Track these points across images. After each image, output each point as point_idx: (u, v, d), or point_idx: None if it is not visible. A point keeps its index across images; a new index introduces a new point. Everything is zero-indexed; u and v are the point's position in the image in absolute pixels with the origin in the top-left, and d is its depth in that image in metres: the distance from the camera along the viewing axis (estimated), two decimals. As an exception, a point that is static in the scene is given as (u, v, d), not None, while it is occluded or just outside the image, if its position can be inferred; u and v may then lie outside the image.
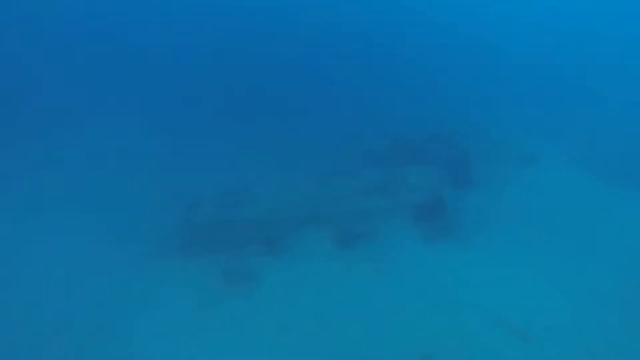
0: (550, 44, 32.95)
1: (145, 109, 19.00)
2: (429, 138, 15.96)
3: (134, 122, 17.83)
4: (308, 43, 28.60)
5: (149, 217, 12.37)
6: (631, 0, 37.22)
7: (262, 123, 18.81)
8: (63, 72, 21.39)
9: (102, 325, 8.71)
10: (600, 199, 14.30)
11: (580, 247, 11.85)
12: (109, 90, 19.94)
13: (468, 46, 32.02)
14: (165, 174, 14.53)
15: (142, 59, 23.80)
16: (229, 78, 22.45)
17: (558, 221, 12.97)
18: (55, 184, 13.66)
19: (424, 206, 12.50)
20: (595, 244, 12.03)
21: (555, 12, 39.78)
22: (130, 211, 12.56)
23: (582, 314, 9.45)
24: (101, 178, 14.15)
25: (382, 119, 19.60)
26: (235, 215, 11.37)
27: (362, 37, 30.57)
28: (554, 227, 12.69)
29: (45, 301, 9.24)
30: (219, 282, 10.12)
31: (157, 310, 9.16)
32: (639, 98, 22.88)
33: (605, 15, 38.01)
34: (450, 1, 37.59)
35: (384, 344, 8.45)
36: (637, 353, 8.53)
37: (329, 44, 29.08)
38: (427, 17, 35.30)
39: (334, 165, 14.73)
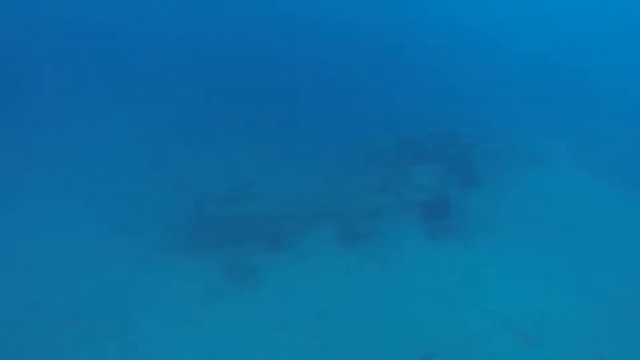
0: (557, 44, 32.78)
1: (153, 105, 19.07)
2: (435, 137, 15.89)
3: (141, 117, 17.89)
4: (315, 43, 28.74)
5: (155, 211, 12.44)
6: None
7: (268, 121, 18.88)
8: (72, 65, 21.48)
9: (106, 318, 8.75)
10: (608, 200, 14.20)
11: (587, 248, 11.78)
12: (117, 85, 19.99)
13: (475, 46, 31.97)
14: (172, 170, 14.58)
15: (153, 56, 23.88)
16: (236, 76, 22.53)
17: (564, 221, 12.90)
18: (62, 178, 13.73)
19: (429, 205, 12.47)
20: (602, 244, 11.94)
21: (562, 12, 39.57)
22: (136, 206, 12.62)
23: (588, 315, 9.38)
24: (107, 173, 14.21)
25: (388, 117, 19.60)
26: (241, 211, 11.39)
27: (368, 36, 30.59)
28: (559, 227, 12.62)
29: (52, 294, 9.30)
30: (223, 278, 10.14)
31: (161, 304, 9.19)
32: (648, 99, 22.73)
33: (614, 15, 37.72)
34: (456, 1, 37.48)
35: (388, 342, 8.44)
36: (643, 355, 8.46)
37: (336, 43, 29.19)
38: (433, 18, 35.28)
39: (339, 163, 14.73)
